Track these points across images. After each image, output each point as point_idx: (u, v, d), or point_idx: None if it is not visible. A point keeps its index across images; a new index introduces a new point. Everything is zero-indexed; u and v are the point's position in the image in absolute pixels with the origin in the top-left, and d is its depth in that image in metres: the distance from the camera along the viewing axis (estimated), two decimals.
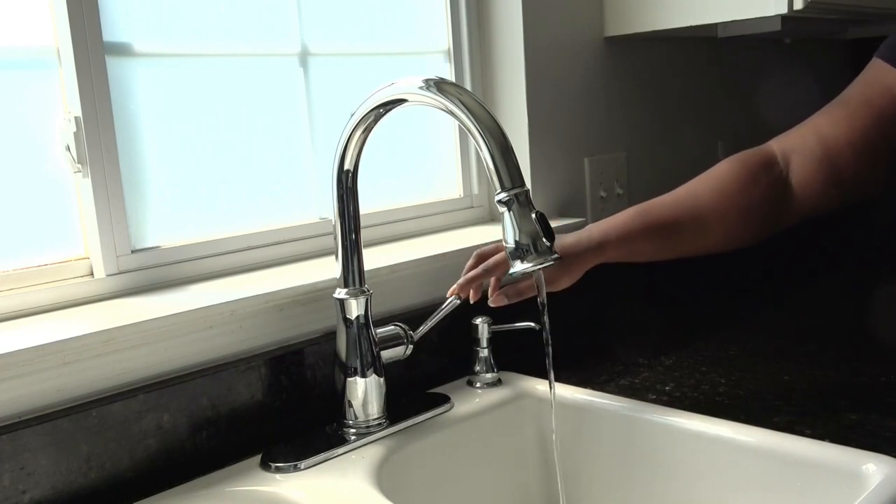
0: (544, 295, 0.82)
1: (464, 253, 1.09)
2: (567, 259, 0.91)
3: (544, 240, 0.74)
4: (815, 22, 1.43)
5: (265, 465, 0.83)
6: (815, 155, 0.97)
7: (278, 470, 0.82)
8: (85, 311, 0.85)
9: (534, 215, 0.74)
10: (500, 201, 0.74)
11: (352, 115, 0.83)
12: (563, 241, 0.93)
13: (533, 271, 0.74)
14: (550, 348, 0.83)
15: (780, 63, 1.74)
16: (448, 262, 1.07)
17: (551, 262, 0.74)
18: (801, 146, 0.99)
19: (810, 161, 0.98)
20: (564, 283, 0.93)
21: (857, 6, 1.28)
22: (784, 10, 1.15)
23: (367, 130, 0.84)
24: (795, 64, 1.78)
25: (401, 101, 0.80)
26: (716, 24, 1.36)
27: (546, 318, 0.82)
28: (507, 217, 0.74)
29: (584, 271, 0.94)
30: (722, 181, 0.99)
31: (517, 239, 0.73)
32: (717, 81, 1.58)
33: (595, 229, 0.95)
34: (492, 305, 0.92)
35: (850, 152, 0.96)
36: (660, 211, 0.97)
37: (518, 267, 0.74)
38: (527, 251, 0.73)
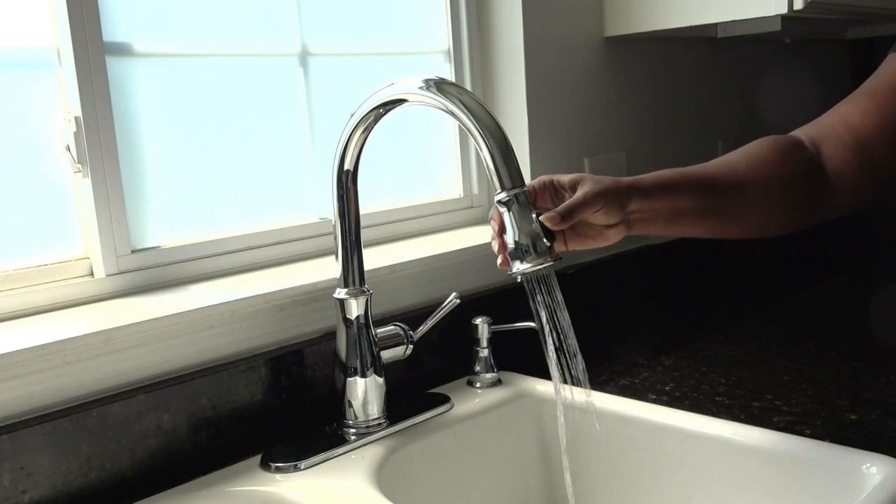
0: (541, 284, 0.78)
1: (464, 253, 1.09)
2: (601, 192, 0.79)
3: (544, 240, 0.73)
4: (815, 22, 1.43)
5: (265, 465, 0.84)
6: (847, 143, 0.90)
7: (278, 470, 0.83)
8: (85, 311, 0.85)
9: (534, 216, 0.73)
10: (500, 201, 0.73)
11: (352, 115, 0.83)
12: (592, 177, 0.83)
13: (532, 272, 0.74)
14: (552, 351, 0.82)
15: (780, 63, 1.74)
16: (448, 262, 1.07)
17: (551, 263, 0.74)
18: (830, 135, 0.91)
19: (842, 149, 0.90)
20: (601, 220, 0.81)
21: (857, 6, 1.28)
22: (784, 10, 1.15)
23: (367, 130, 0.84)
24: (795, 64, 1.78)
25: (401, 102, 0.80)
26: (716, 24, 1.36)
27: (545, 314, 0.78)
28: (507, 217, 0.73)
29: (621, 209, 0.81)
30: (755, 152, 0.91)
31: (517, 239, 0.73)
32: (717, 81, 1.58)
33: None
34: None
35: (884, 140, 0.89)
36: (694, 168, 0.89)
37: (518, 267, 0.74)
38: (526, 252, 0.73)
